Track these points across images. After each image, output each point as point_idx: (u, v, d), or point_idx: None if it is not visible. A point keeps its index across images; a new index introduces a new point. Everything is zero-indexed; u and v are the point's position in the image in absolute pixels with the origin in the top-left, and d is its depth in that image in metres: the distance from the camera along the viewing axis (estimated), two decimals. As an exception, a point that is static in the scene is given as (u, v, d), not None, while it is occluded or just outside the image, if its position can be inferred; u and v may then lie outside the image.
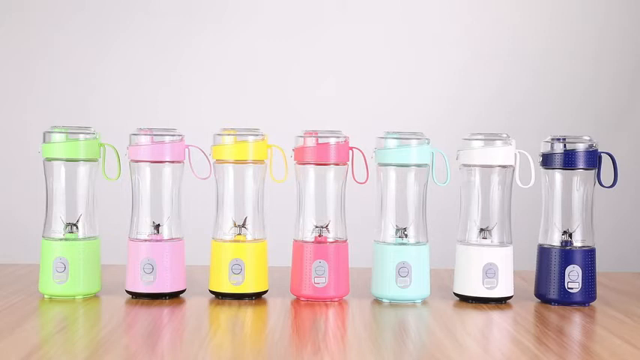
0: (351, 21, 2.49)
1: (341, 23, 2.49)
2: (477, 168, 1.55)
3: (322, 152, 1.53)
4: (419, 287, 1.52)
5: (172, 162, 1.54)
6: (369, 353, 1.20)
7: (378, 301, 1.54)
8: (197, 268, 1.68)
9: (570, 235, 1.55)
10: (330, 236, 1.54)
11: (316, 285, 1.52)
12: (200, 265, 1.67)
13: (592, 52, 2.48)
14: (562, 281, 1.53)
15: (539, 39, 2.47)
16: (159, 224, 1.54)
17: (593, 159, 1.55)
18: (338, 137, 1.54)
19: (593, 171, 1.55)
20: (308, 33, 2.49)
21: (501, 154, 1.54)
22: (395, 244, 1.53)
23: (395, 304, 1.52)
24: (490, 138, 1.54)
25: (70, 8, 2.43)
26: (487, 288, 1.52)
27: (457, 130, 1.80)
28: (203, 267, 1.62)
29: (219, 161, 1.55)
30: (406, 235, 1.54)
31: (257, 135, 1.55)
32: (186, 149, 1.56)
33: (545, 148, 1.57)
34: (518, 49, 2.48)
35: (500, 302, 1.53)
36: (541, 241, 1.57)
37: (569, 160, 1.54)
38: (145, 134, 1.53)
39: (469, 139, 1.55)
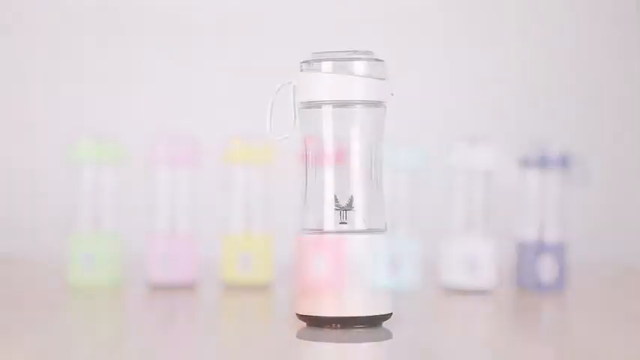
0: (352, 21, 2.51)
1: (341, 24, 2.51)
2: (460, 169, 1.70)
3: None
4: (410, 277, 1.66)
5: (188, 164, 1.69)
6: (365, 335, 1.28)
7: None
8: (209, 260, 1.78)
9: (545, 230, 1.69)
10: (330, 231, 1.67)
11: (317, 275, 1.65)
12: (212, 258, 1.76)
13: (572, 57, 2.54)
14: (537, 271, 1.67)
15: (532, 44, 2.53)
16: (176, 221, 1.68)
17: (567, 160, 1.69)
18: (337, 141, 1.66)
19: (567, 171, 1.70)
20: (308, 35, 2.51)
21: (482, 156, 1.68)
22: (389, 239, 1.66)
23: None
24: (472, 141, 1.68)
25: (88, 20, 2.46)
26: (471, 278, 1.66)
27: (456, 131, 1.92)
28: (215, 260, 1.73)
29: (229, 163, 1.69)
30: (399, 231, 1.67)
31: (264, 139, 1.66)
32: (200, 153, 1.70)
33: (523, 151, 1.71)
34: (515, 49, 2.52)
35: (483, 291, 1.66)
36: (519, 235, 1.72)
37: (544, 162, 1.69)
38: (163, 139, 1.68)
39: (452, 142, 1.70)
